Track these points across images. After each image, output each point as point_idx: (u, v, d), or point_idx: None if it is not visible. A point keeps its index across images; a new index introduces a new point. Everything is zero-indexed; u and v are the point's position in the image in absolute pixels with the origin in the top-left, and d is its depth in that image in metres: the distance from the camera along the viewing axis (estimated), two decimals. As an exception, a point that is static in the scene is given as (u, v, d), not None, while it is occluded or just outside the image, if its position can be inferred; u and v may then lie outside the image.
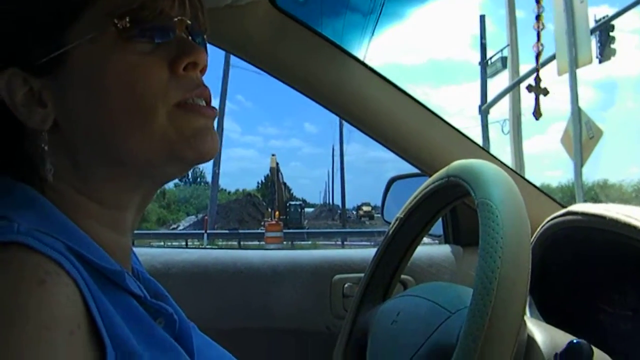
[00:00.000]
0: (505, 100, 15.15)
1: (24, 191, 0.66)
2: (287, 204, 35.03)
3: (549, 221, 1.23)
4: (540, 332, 0.90)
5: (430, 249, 1.74)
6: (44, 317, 0.53)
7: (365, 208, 47.94)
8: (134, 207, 0.77)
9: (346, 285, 1.66)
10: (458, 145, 1.55)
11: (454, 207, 1.18)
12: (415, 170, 1.69)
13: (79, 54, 0.68)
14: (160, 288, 0.83)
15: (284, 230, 22.53)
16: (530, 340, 0.89)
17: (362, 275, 1.26)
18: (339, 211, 43.84)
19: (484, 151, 1.59)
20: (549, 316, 0.99)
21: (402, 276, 1.28)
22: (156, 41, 0.70)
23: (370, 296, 1.23)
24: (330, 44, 1.43)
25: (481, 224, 0.81)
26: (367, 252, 1.74)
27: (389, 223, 1.67)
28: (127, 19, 0.68)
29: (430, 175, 1.11)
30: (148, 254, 1.70)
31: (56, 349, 0.52)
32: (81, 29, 0.67)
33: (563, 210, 1.20)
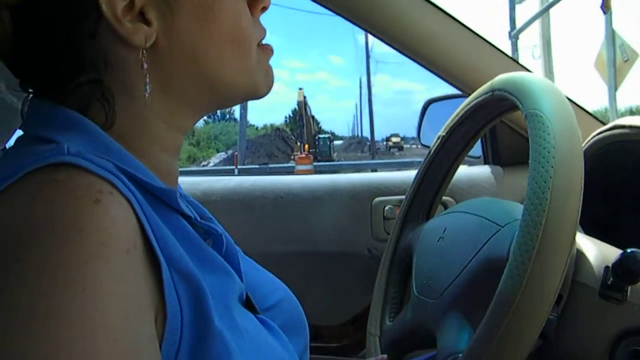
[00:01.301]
0: (536, 25, 14.78)
1: (66, 114, 0.65)
2: (316, 137, 35.08)
3: (595, 136, 1.21)
4: (589, 245, 0.90)
5: (470, 170, 1.72)
6: (100, 234, 0.52)
7: (394, 139, 48.02)
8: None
9: (387, 208, 1.66)
10: (500, 64, 1.51)
11: (493, 127, 1.17)
12: (452, 92, 1.67)
13: None
14: (205, 211, 0.83)
15: (314, 163, 22.62)
16: (580, 253, 0.88)
17: (402, 197, 1.26)
18: (367, 143, 43.88)
19: (527, 70, 1.55)
20: (592, 231, 0.98)
21: (443, 197, 1.27)
22: None
23: (413, 216, 1.23)
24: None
25: (531, 134, 0.79)
26: (405, 175, 1.73)
27: (426, 146, 1.67)
28: None
29: (469, 95, 1.09)
30: (187, 182, 1.71)
31: (113, 267, 0.52)
32: None
33: (610, 125, 1.18)
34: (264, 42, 0.79)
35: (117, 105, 0.67)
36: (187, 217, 0.68)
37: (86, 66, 0.66)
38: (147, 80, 0.68)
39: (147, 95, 0.68)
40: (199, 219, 0.72)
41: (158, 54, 0.68)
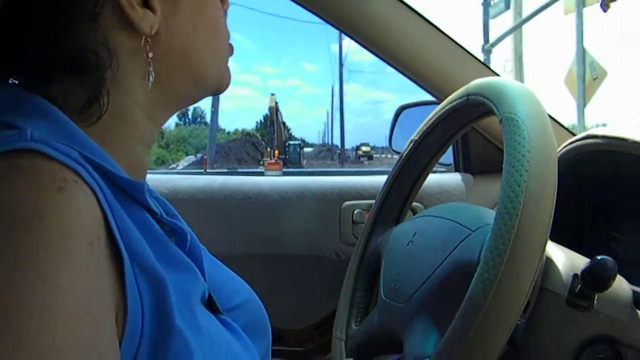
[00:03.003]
0: (508, 41, 15.02)
1: (35, 101, 0.63)
2: (286, 144, 35.24)
3: (567, 145, 1.21)
4: (558, 253, 0.90)
5: (440, 177, 1.73)
6: (63, 224, 0.50)
7: (364, 148, 48.32)
8: None
9: (356, 212, 1.65)
10: (475, 70, 1.51)
11: (465, 134, 1.16)
12: (426, 99, 1.67)
13: None
14: (171, 208, 0.82)
15: (283, 169, 22.65)
16: (548, 260, 0.88)
17: (372, 202, 1.25)
18: (337, 151, 44.08)
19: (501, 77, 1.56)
20: (560, 240, 0.98)
21: (413, 203, 1.26)
22: None
23: (382, 221, 1.22)
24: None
25: (505, 138, 0.79)
26: (376, 179, 1.73)
27: (397, 152, 1.66)
28: None
29: (442, 101, 1.09)
30: (155, 179, 1.69)
31: (75, 258, 0.50)
32: None
33: (583, 134, 1.18)
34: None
35: (101, 93, 0.65)
36: (152, 213, 0.67)
37: (82, 51, 0.64)
38: (151, 68, 0.69)
39: (149, 84, 0.69)
40: (164, 215, 0.70)
41: (156, 43, 0.69)
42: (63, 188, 0.52)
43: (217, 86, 0.80)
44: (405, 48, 1.47)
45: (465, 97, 0.98)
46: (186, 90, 0.76)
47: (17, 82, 0.68)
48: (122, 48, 0.66)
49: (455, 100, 1.02)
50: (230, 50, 0.82)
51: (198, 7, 0.73)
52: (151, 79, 0.69)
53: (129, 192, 0.64)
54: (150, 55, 0.68)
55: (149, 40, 0.68)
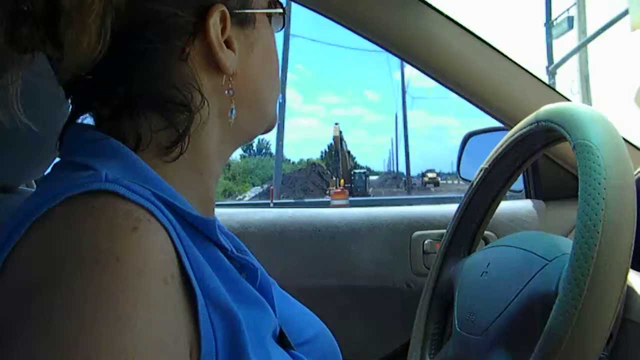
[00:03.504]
0: (573, 60, 14.74)
1: (107, 142, 0.65)
2: (352, 172, 35.23)
3: (642, 170, 1.18)
4: (640, 281, 0.87)
5: (512, 204, 1.69)
6: (138, 263, 0.51)
7: (430, 175, 47.90)
8: None
9: (426, 242, 1.63)
10: (543, 95, 1.49)
11: (535, 160, 1.14)
12: (490, 125, 1.65)
13: (260, 19, 0.77)
14: (241, 243, 0.83)
15: (349, 198, 22.61)
16: (630, 290, 0.85)
17: (442, 231, 1.24)
18: (403, 178, 43.78)
19: (569, 101, 1.53)
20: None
21: (485, 232, 1.24)
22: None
23: (454, 251, 1.20)
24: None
25: (580, 165, 0.77)
26: (445, 208, 1.71)
27: (466, 180, 1.64)
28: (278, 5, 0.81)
29: (511, 128, 1.07)
30: (225, 213, 1.71)
31: (150, 297, 0.51)
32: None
33: (660, 157, 1.14)
34: None
35: (181, 129, 0.68)
36: (223, 249, 0.68)
37: (171, 90, 0.67)
38: (233, 105, 0.72)
39: (231, 121, 0.72)
40: (235, 251, 0.71)
41: (232, 83, 0.72)
42: (137, 227, 0.54)
43: (271, 125, 0.83)
44: (470, 74, 1.46)
45: (535, 124, 0.96)
46: (250, 127, 0.79)
47: (89, 121, 0.70)
48: (203, 87, 0.68)
49: (524, 127, 1.01)
50: None
51: (268, 50, 0.78)
52: (233, 117, 0.72)
53: (201, 229, 0.65)
54: (232, 93, 0.71)
55: (230, 79, 0.71)
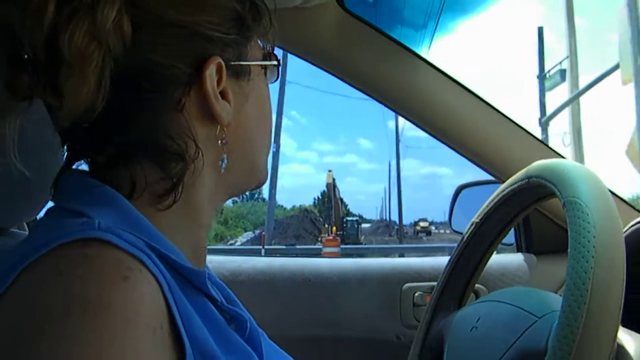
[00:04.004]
0: (565, 113, 14.90)
1: (102, 190, 0.66)
2: (344, 220, 35.14)
3: (632, 226, 1.18)
4: (629, 339, 0.86)
5: (502, 258, 1.70)
6: (128, 312, 0.52)
7: (422, 224, 47.86)
8: None
9: (417, 294, 1.63)
10: (535, 151, 1.51)
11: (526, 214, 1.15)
12: (486, 178, 1.66)
13: (255, 71, 0.78)
14: (231, 293, 0.83)
15: (341, 246, 22.55)
16: (620, 347, 0.85)
17: (433, 284, 1.23)
18: (395, 227, 43.71)
19: (561, 157, 1.54)
20: (632, 325, 0.94)
21: (475, 285, 1.24)
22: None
23: (445, 304, 1.20)
24: (400, 46, 1.40)
25: (570, 223, 0.78)
26: (436, 261, 1.71)
27: (457, 233, 1.65)
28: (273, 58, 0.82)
29: (503, 181, 1.08)
30: (216, 261, 1.70)
31: (138, 346, 0.51)
32: (253, 51, 0.77)
33: (650, 214, 1.15)
34: None
35: (174, 178, 0.68)
36: (213, 300, 0.68)
37: (167, 140, 0.67)
38: (225, 156, 0.72)
39: (222, 169, 0.72)
40: (225, 302, 0.71)
41: (225, 133, 0.72)
42: (128, 277, 0.54)
43: (262, 181, 0.83)
44: (462, 128, 1.48)
45: (526, 180, 0.97)
46: (240, 179, 0.79)
47: (84, 168, 0.71)
48: (198, 136, 0.69)
49: (516, 183, 1.01)
50: None
51: (261, 104, 0.79)
52: (223, 166, 0.72)
53: (191, 280, 0.65)
54: (225, 142, 0.72)
55: (224, 129, 0.71)
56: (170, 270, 0.62)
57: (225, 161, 0.72)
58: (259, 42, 0.80)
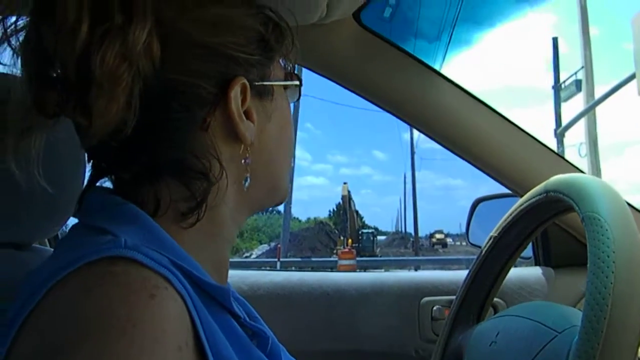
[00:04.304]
0: (581, 124, 14.81)
1: (127, 208, 0.67)
2: (360, 232, 35.03)
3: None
4: (651, 355, 0.86)
5: (521, 271, 1.69)
6: (155, 330, 0.52)
7: (438, 235, 47.58)
8: None
9: (435, 308, 1.63)
10: (552, 164, 1.51)
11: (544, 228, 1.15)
12: (502, 191, 1.66)
13: (278, 92, 0.79)
14: (252, 309, 0.84)
15: (357, 258, 22.45)
16: (641, 363, 0.84)
17: (451, 297, 1.23)
18: (411, 239, 43.45)
19: (580, 171, 1.53)
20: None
21: (494, 299, 1.24)
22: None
23: (463, 318, 1.20)
24: (417, 61, 1.41)
25: (589, 238, 0.77)
26: (454, 274, 1.70)
27: (475, 246, 1.64)
28: (294, 78, 0.83)
29: (520, 195, 1.08)
30: (235, 275, 1.71)
31: None
32: (275, 71, 0.79)
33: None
34: None
35: (199, 196, 0.69)
36: (236, 317, 0.69)
37: (192, 159, 0.68)
38: (248, 175, 0.73)
39: (245, 188, 0.74)
40: (247, 319, 0.72)
41: (249, 152, 0.73)
42: (154, 295, 0.55)
43: (282, 199, 0.84)
44: (478, 142, 1.48)
45: (545, 194, 0.97)
46: (262, 197, 0.80)
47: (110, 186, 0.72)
48: (222, 155, 0.70)
49: (534, 197, 1.01)
50: None
51: (284, 123, 0.80)
52: (247, 185, 0.73)
53: (215, 297, 0.66)
54: (249, 162, 0.73)
55: (248, 148, 0.72)
56: (194, 287, 0.63)
57: (249, 180, 0.73)
58: (281, 62, 0.81)
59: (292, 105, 0.87)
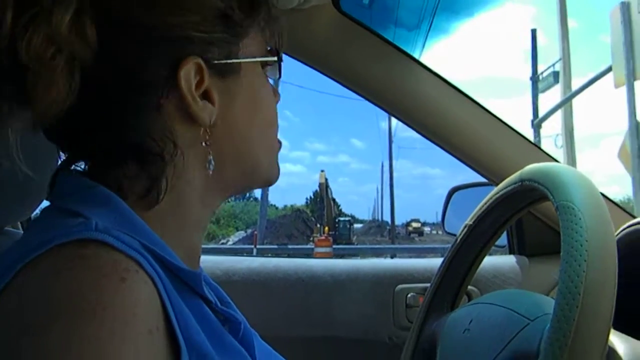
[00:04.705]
0: (558, 115, 14.93)
1: (98, 190, 0.66)
2: (336, 220, 35.10)
3: (624, 229, 1.19)
4: (621, 342, 0.87)
5: (495, 260, 1.71)
6: (125, 314, 0.52)
7: (414, 224, 47.84)
8: None
9: (409, 295, 1.64)
10: (528, 154, 1.52)
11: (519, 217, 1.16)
12: (479, 180, 1.67)
13: (248, 69, 0.75)
14: (224, 294, 0.83)
15: (333, 246, 22.54)
16: (611, 351, 0.86)
17: (426, 285, 1.24)
18: (387, 227, 43.68)
19: (556, 161, 1.55)
20: (624, 328, 0.95)
21: (468, 287, 1.25)
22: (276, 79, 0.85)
23: (437, 306, 1.21)
24: (396, 49, 1.41)
25: (563, 227, 0.78)
26: (429, 262, 1.72)
27: (451, 234, 1.66)
28: (278, 54, 0.81)
29: (496, 184, 1.09)
30: (209, 260, 1.71)
31: (135, 347, 0.51)
32: (248, 47, 0.75)
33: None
34: None
35: (163, 180, 0.68)
36: (207, 302, 0.68)
37: (146, 140, 0.67)
38: (211, 157, 0.71)
39: (210, 172, 0.72)
40: (219, 304, 0.72)
41: (213, 134, 0.71)
42: (125, 278, 0.54)
43: (267, 179, 0.82)
44: (455, 131, 1.49)
45: (519, 183, 0.98)
46: (238, 180, 0.78)
47: (81, 169, 0.71)
48: (181, 137, 0.69)
49: (509, 186, 1.02)
50: (279, 145, 0.85)
51: (254, 101, 0.77)
52: (211, 167, 0.71)
53: (187, 282, 0.66)
54: (209, 144, 0.71)
55: (208, 130, 0.71)
56: (165, 271, 0.62)
57: (213, 162, 0.72)
58: (263, 37, 0.79)
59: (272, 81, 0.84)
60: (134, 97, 0.66)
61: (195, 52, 0.68)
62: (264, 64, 0.79)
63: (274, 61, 0.80)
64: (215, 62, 0.71)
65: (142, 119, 0.67)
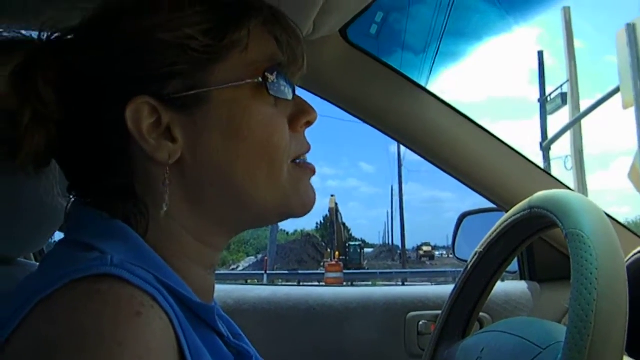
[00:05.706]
0: (567, 136, 14.87)
1: (113, 224, 0.67)
2: (347, 245, 34.97)
3: (634, 254, 1.19)
4: (634, 370, 0.86)
5: (506, 286, 1.70)
6: (140, 348, 0.52)
7: (425, 248, 47.47)
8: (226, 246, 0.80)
9: (421, 323, 1.63)
10: (537, 180, 1.52)
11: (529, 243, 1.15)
12: (488, 206, 1.67)
13: (221, 97, 0.70)
14: (236, 327, 0.83)
15: (344, 271, 22.42)
16: (624, 377, 0.85)
17: (437, 312, 1.23)
18: (398, 251, 43.41)
19: (565, 187, 1.55)
20: (633, 352, 0.94)
21: (480, 314, 1.24)
22: (288, 98, 0.75)
23: (449, 333, 1.20)
24: (403, 77, 1.42)
25: (573, 254, 0.78)
26: (440, 289, 1.71)
27: (462, 260, 1.65)
28: (275, 73, 0.73)
29: (506, 210, 1.09)
30: (220, 290, 1.70)
31: None
32: (224, 72, 0.70)
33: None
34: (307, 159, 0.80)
35: (150, 217, 0.69)
36: (220, 335, 0.69)
37: (119, 176, 0.69)
38: (166, 197, 0.69)
39: (162, 212, 0.68)
40: (231, 337, 0.73)
41: (184, 170, 0.70)
42: (140, 313, 0.55)
43: (284, 213, 0.77)
44: (465, 158, 1.50)
45: (529, 210, 0.98)
46: (237, 218, 0.76)
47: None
48: (153, 175, 0.70)
49: (518, 213, 1.02)
50: (304, 170, 0.79)
51: (235, 130, 0.71)
52: (164, 207, 0.69)
53: (200, 315, 0.66)
54: (167, 183, 0.69)
55: (167, 169, 0.69)
56: (180, 305, 0.63)
57: (167, 204, 0.69)
58: (252, 56, 0.73)
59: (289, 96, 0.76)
60: (97, 142, 0.69)
61: (145, 91, 0.67)
62: (267, 85, 0.72)
63: (260, 82, 0.72)
64: (175, 96, 0.68)
65: (110, 159, 0.70)
